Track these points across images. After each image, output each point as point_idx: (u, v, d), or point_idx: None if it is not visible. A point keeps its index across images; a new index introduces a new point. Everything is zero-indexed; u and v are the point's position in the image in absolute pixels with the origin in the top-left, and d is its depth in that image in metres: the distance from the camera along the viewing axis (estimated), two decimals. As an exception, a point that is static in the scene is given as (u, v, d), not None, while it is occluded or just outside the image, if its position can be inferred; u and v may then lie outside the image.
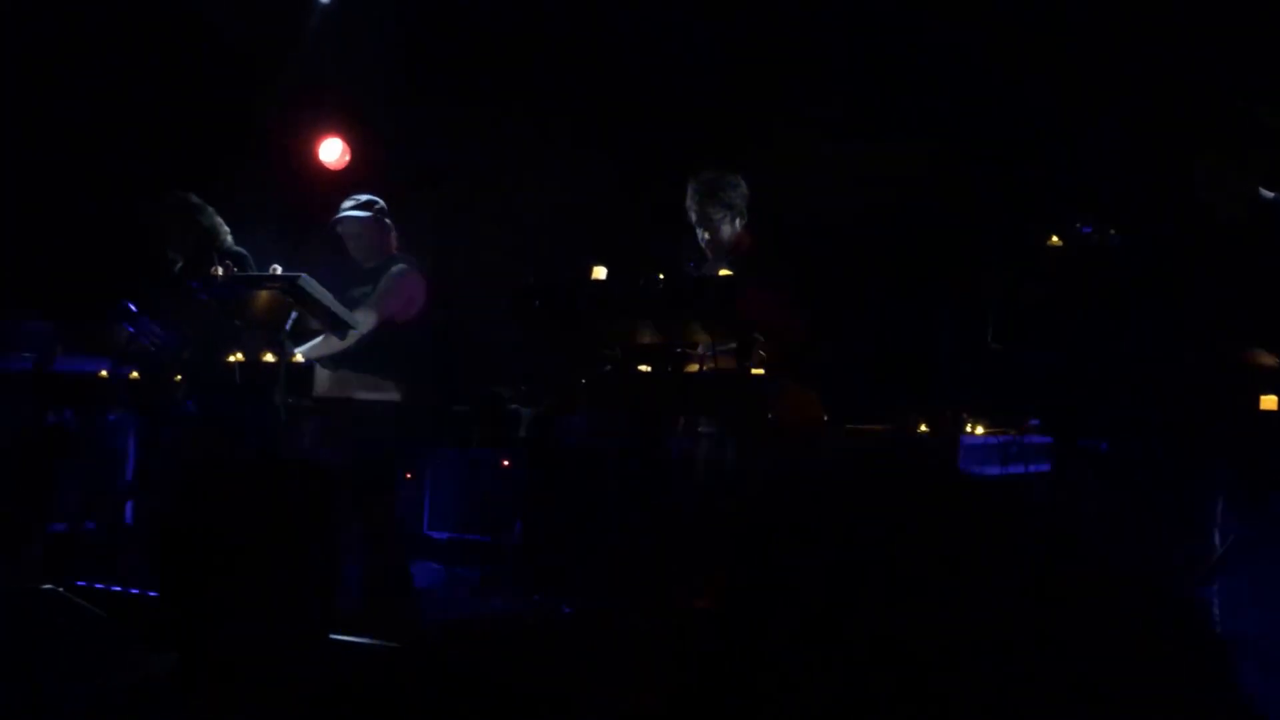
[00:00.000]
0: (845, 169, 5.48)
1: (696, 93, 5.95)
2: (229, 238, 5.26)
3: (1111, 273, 3.56)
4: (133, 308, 4.73)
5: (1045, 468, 4.03)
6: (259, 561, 1.62)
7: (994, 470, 4.19)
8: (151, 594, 4.26)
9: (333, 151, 7.10)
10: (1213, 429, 3.45)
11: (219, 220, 5.20)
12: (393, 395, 4.82)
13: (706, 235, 4.55)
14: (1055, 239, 3.60)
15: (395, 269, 4.98)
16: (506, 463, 6.16)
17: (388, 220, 5.10)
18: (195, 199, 5.19)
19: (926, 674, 0.67)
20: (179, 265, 5.17)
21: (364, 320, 4.76)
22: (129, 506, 5.44)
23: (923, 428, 4.40)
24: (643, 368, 4.16)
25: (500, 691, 1.26)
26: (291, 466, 1.80)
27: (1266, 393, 3.26)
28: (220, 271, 4.66)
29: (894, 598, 0.69)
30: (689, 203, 4.57)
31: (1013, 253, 3.66)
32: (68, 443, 4.58)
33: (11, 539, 2.04)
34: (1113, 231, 3.61)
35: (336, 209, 5.27)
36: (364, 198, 5.11)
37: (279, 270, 4.59)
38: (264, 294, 4.56)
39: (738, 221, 4.58)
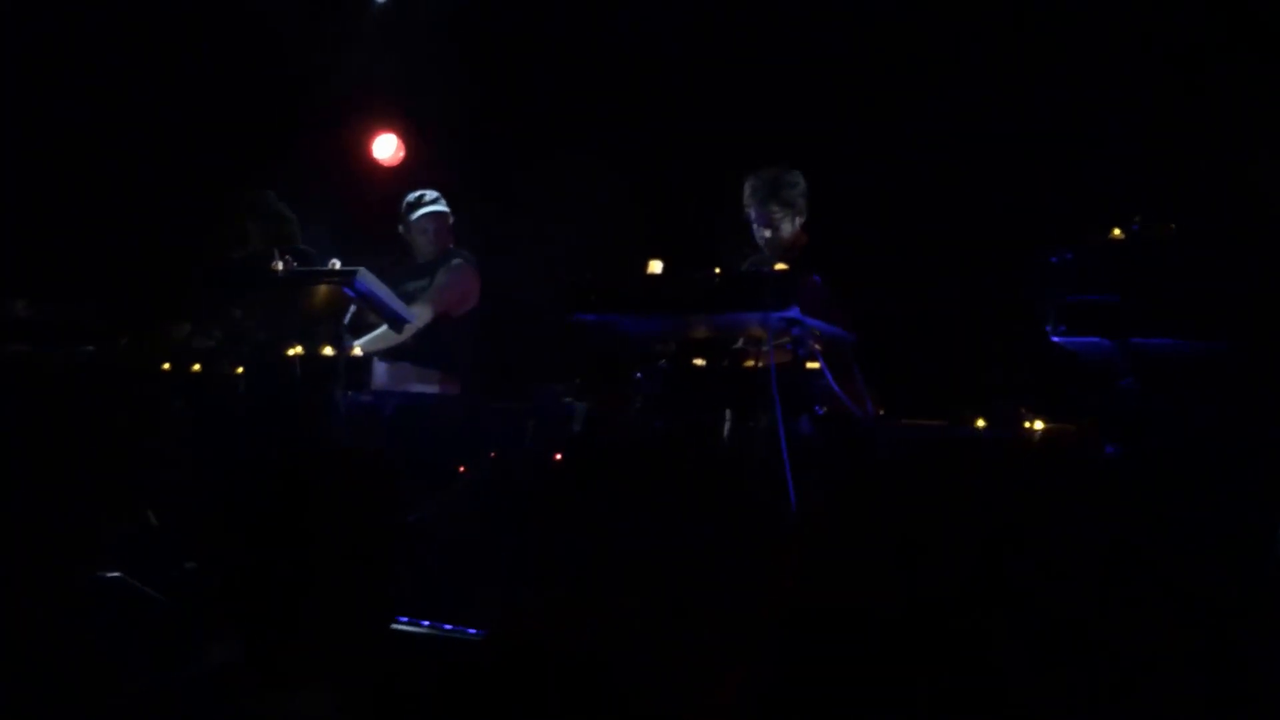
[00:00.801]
0: (893, 161, 5.45)
1: (746, 88, 5.94)
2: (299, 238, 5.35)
3: (1171, 267, 3.51)
4: (196, 301, 4.80)
5: (1105, 464, 3.98)
6: (324, 550, 1.64)
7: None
8: (215, 583, 4.34)
9: (387, 148, 7.16)
10: (1277, 427, 3.40)
11: (294, 218, 5.29)
12: (449, 388, 4.87)
13: (767, 233, 4.53)
14: (1116, 231, 3.57)
15: (452, 263, 5.04)
16: (559, 457, 6.18)
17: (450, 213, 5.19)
18: (273, 195, 5.29)
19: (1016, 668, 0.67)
20: (241, 258, 5.25)
21: (421, 314, 4.82)
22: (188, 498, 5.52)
23: (979, 423, 4.36)
24: (697, 362, 4.16)
25: (559, 680, 1.27)
26: (354, 455, 1.82)
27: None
28: (280, 266, 4.72)
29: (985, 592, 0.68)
30: (747, 200, 4.55)
31: (1072, 245, 3.62)
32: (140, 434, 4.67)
33: (88, 527, 2.09)
34: (1172, 226, 3.56)
35: (391, 204, 5.33)
36: (434, 193, 5.17)
37: (337, 264, 4.65)
38: (322, 288, 4.62)
39: (797, 220, 4.55)
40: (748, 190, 4.56)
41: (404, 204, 5.19)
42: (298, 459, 1.77)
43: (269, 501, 1.66)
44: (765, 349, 3.93)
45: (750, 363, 4.03)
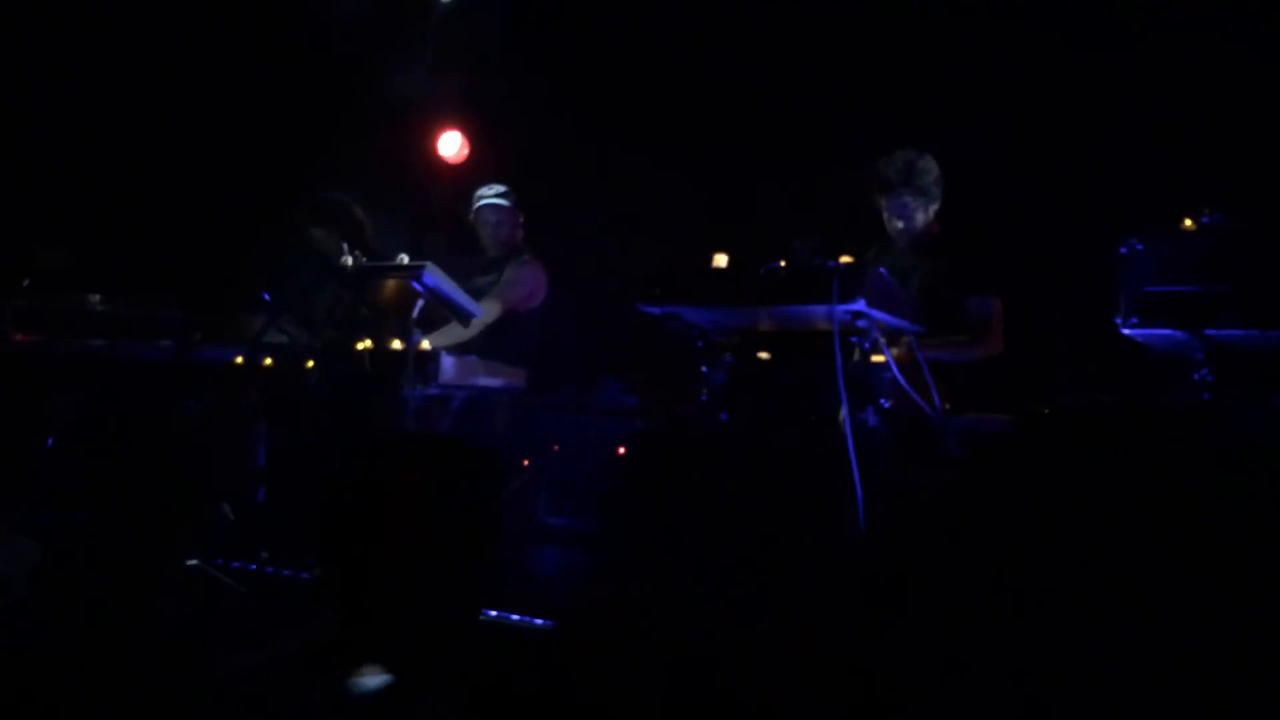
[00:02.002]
0: (958, 151, 5.41)
1: (815, 80, 5.92)
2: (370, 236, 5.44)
3: (1245, 257, 3.46)
4: (266, 297, 4.89)
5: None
6: (421, 538, 1.65)
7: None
8: (285, 573, 4.42)
9: (451, 145, 7.23)
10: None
11: (364, 219, 5.38)
12: (515, 382, 4.93)
13: (899, 224, 4.35)
14: (1188, 222, 3.52)
15: (519, 259, 5.09)
16: (622, 450, 6.22)
17: (518, 211, 5.22)
18: (341, 197, 5.39)
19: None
20: (311, 255, 5.36)
21: (489, 309, 4.87)
22: (261, 489, 5.63)
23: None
24: (762, 355, 4.16)
25: (627, 671, 1.29)
26: (452, 444, 1.82)
27: None
28: (349, 262, 4.81)
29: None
30: (877, 190, 4.36)
31: (1142, 235, 3.57)
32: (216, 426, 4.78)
33: (193, 517, 2.16)
34: (1244, 217, 3.51)
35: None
36: (500, 188, 5.22)
37: (406, 260, 4.72)
38: (391, 283, 4.70)
39: (931, 208, 4.37)
40: (877, 179, 4.33)
41: (474, 196, 5.27)
42: (392, 444, 1.80)
43: (363, 487, 1.68)
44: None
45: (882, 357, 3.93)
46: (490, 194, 5.23)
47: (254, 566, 4.44)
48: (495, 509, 1.72)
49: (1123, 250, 3.55)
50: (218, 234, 6.34)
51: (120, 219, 6.42)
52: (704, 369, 4.19)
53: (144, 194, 6.51)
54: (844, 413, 4.12)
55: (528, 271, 5.10)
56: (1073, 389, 4.20)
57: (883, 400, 3.95)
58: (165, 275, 6.01)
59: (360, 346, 4.67)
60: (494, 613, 3.59)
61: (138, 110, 6.49)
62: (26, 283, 5.41)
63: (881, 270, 3.93)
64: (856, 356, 3.93)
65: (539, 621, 3.55)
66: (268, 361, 5.02)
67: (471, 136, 7.13)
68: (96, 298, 5.42)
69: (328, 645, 1.71)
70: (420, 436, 2.06)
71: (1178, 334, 3.44)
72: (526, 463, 6.37)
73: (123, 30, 6.39)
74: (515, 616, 3.61)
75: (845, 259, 4.21)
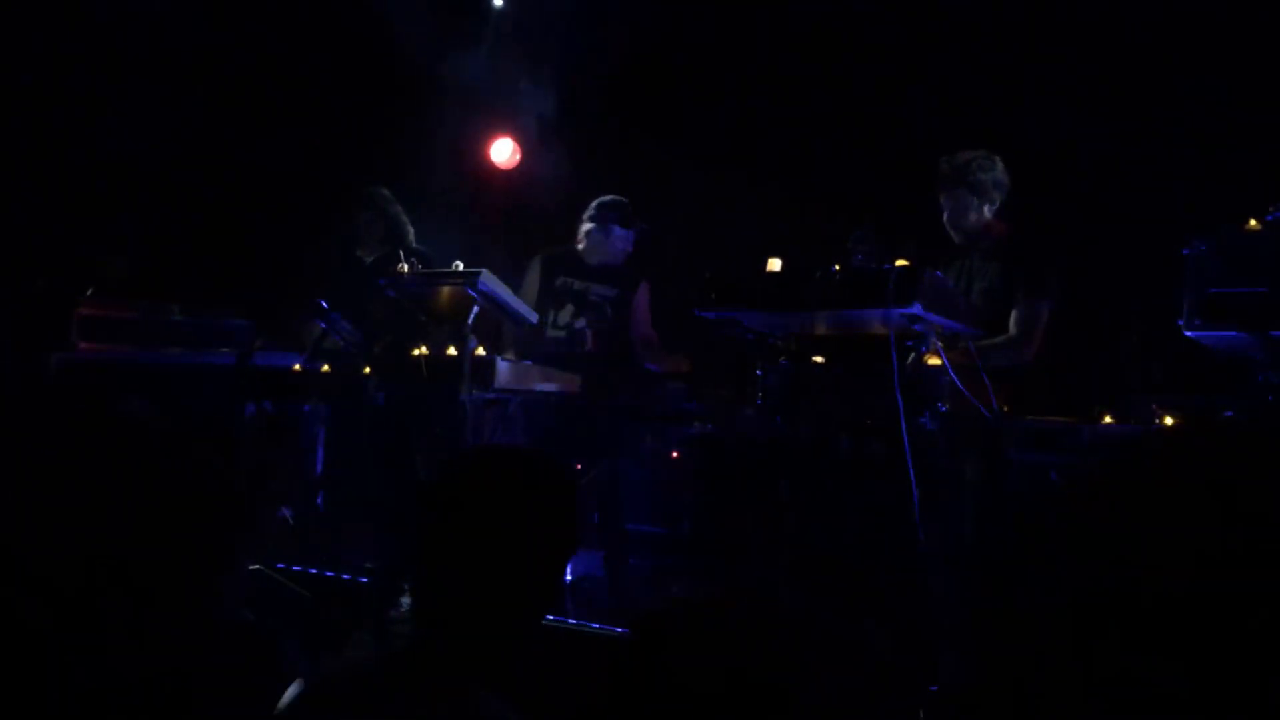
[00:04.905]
0: (1024, 153, 5.36)
1: (880, 83, 5.88)
2: (412, 236, 5.50)
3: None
4: (325, 305, 4.95)
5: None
6: (502, 549, 1.65)
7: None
8: (345, 577, 4.47)
9: (504, 152, 7.27)
10: None
11: (405, 218, 5.45)
12: (570, 387, 4.94)
13: (950, 217, 4.40)
14: (1253, 222, 3.46)
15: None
16: (675, 455, 6.21)
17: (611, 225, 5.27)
18: (386, 192, 5.47)
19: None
20: (368, 262, 5.42)
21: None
22: (320, 495, 5.70)
23: (1107, 419, 4.27)
24: (817, 359, 4.14)
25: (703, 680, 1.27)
26: (542, 461, 1.83)
27: None
28: (406, 269, 4.85)
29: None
30: (936, 183, 4.41)
31: (1206, 236, 3.51)
32: (281, 432, 4.85)
33: (250, 523, 2.19)
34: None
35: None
36: (595, 207, 5.30)
37: (461, 267, 4.75)
38: (447, 290, 4.73)
39: (986, 208, 4.39)
40: (937, 174, 4.39)
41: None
42: (471, 460, 1.82)
43: (442, 502, 1.69)
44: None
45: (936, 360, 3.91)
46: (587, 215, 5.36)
47: (314, 570, 4.49)
48: (573, 523, 1.74)
49: (1186, 251, 3.48)
50: (276, 243, 6.42)
51: (181, 228, 6.52)
52: (759, 373, 4.19)
53: (204, 203, 6.61)
54: (901, 416, 4.09)
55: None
56: (1136, 392, 4.14)
57: (940, 404, 3.92)
58: (226, 283, 6.10)
59: (416, 353, 4.71)
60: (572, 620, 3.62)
61: (197, 120, 6.59)
62: (90, 292, 5.52)
63: (938, 274, 3.90)
64: (912, 359, 3.90)
65: (619, 630, 3.57)
66: (326, 368, 5.08)
67: (525, 143, 7.16)
68: (159, 306, 5.52)
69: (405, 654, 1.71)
70: (505, 449, 2.07)
71: (1242, 336, 3.37)
72: (580, 467, 6.38)
73: (185, 41, 6.49)
74: (595, 625, 3.64)
75: (901, 262, 4.19)
